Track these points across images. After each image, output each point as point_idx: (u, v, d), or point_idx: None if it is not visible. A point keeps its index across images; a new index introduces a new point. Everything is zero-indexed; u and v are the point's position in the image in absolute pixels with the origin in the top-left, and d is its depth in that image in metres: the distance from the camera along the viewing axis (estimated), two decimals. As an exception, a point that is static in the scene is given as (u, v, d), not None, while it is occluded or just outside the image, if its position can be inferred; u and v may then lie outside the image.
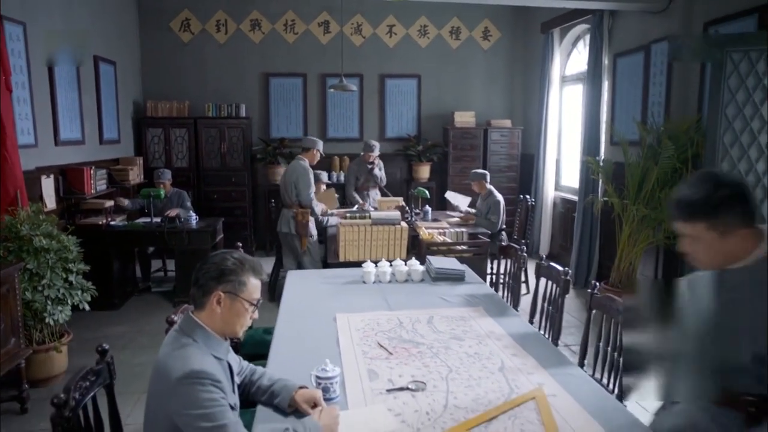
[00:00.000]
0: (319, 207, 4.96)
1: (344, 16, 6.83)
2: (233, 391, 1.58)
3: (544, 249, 6.66)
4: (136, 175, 5.95)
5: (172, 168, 6.43)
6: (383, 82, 7.25)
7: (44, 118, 4.46)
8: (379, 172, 6.02)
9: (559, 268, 2.71)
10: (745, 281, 1.42)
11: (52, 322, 3.30)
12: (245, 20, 6.95)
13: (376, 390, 1.83)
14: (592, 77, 5.51)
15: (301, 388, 1.69)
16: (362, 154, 5.93)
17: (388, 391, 1.81)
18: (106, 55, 5.69)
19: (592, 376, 2.13)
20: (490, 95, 7.44)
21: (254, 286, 1.61)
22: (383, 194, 6.15)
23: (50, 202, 4.40)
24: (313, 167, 4.93)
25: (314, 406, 1.64)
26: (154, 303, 5.16)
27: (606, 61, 5.44)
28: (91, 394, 1.58)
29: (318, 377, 1.75)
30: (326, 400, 1.72)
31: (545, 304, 2.83)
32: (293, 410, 1.66)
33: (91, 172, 4.86)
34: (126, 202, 5.28)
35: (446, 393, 1.81)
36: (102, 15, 5.67)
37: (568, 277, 2.63)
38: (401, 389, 1.82)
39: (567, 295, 2.67)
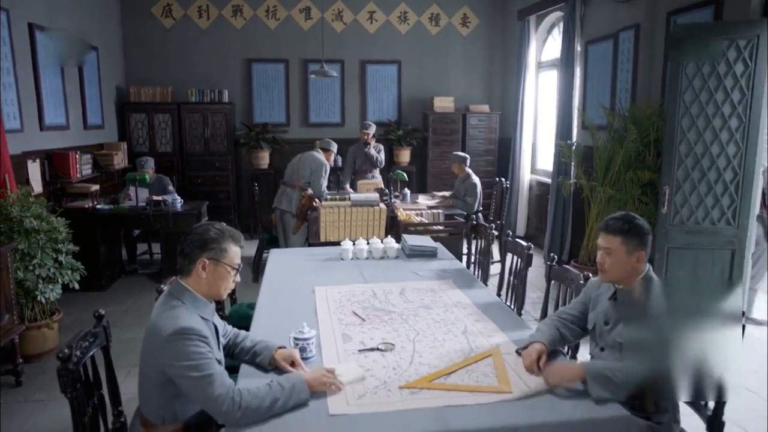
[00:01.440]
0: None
1: (325, 3, 6.94)
2: (218, 348, 1.76)
3: (520, 230, 6.90)
4: (120, 160, 6.04)
5: (156, 153, 6.55)
6: (364, 68, 7.38)
7: (29, 104, 4.54)
8: (377, 154, 6.16)
9: (523, 243, 2.92)
10: (630, 301, 1.91)
11: (43, 300, 3.44)
12: (227, 6, 7.01)
13: (349, 350, 2.02)
14: (565, 64, 5.70)
15: (280, 348, 1.88)
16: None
17: (360, 351, 2.01)
18: (89, 40, 5.74)
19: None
20: (469, 81, 7.61)
21: (235, 252, 1.78)
22: (382, 176, 6.28)
23: (37, 186, 4.49)
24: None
25: (292, 363, 1.82)
26: (141, 284, 5.30)
27: (578, 48, 5.63)
28: (90, 353, 1.75)
29: (296, 338, 1.94)
30: (303, 359, 1.91)
31: (511, 277, 3.05)
32: (273, 368, 1.85)
33: (77, 156, 4.96)
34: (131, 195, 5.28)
35: (412, 352, 2.01)
36: (84, 0, 5.71)
37: (530, 252, 2.84)
38: (372, 349, 2.02)
39: (537, 272, 2.88)
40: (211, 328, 1.74)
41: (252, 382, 1.75)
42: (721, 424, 1.85)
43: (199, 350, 1.58)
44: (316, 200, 4.90)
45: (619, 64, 4.92)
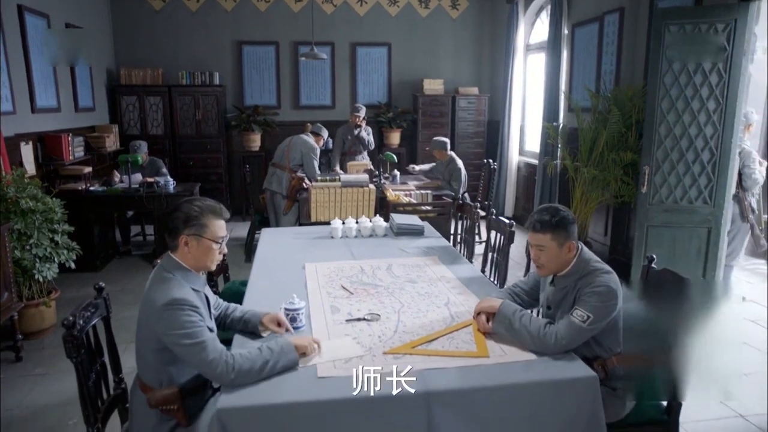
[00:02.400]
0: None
1: (315, -15, 6.95)
2: (210, 318, 1.86)
3: (509, 211, 7.04)
4: (112, 143, 6.09)
5: (147, 136, 6.60)
6: (354, 51, 7.42)
7: (20, 86, 4.58)
8: (367, 136, 6.24)
9: (505, 220, 3.03)
10: (565, 285, 2.03)
11: (41, 279, 3.53)
12: (216, -13, 7.01)
13: (336, 321, 2.14)
14: (552, 46, 5.78)
15: (266, 314, 2.00)
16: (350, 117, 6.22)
17: (347, 321, 2.13)
18: (77, 22, 5.74)
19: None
20: (458, 63, 7.67)
21: (217, 225, 1.84)
22: (372, 159, 6.38)
23: (30, 168, 4.54)
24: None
25: (279, 325, 1.96)
26: (135, 265, 5.39)
27: (565, 30, 5.71)
28: (92, 323, 1.86)
29: (286, 309, 2.05)
30: (294, 329, 2.03)
31: (494, 254, 3.17)
32: (263, 330, 1.99)
33: (69, 139, 5.01)
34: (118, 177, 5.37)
35: (397, 322, 2.13)
36: (72, -18, 5.71)
37: (513, 229, 2.96)
38: (359, 320, 2.14)
39: (521, 251, 3.00)
40: (202, 299, 1.83)
41: (244, 348, 1.86)
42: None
43: (191, 319, 1.68)
44: (306, 181, 4.99)
45: (604, 47, 5.02)
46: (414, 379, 1.65)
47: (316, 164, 5.20)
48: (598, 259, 2.06)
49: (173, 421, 1.77)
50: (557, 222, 1.96)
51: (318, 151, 5.28)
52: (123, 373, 2.07)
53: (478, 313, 2.06)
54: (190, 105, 6.86)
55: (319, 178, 4.85)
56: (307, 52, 5.90)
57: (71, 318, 1.65)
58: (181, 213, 1.83)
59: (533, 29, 6.84)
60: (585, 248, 2.07)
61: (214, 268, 1.90)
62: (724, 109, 3.78)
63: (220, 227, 1.86)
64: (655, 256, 2.40)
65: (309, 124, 7.15)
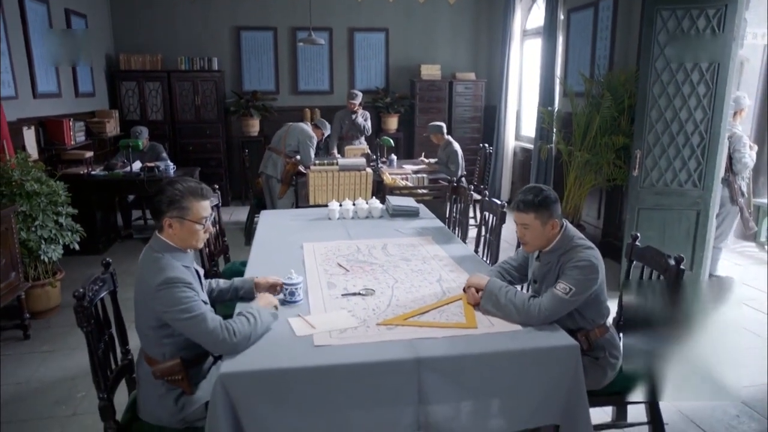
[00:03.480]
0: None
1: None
2: (202, 290, 1.94)
3: (504, 195, 7.12)
4: (112, 128, 6.15)
5: (147, 121, 6.66)
6: (352, 36, 7.45)
7: (22, 71, 4.64)
8: (364, 122, 6.30)
9: (497, 201, 3.13)
10: (550, 260, 2.14)
11: (46, 260, 3.63)
12: (214, -27, 7.02)
13: (333, 296, 2.24)
14: (548, 32, 5.83)
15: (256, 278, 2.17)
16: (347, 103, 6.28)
17: (343, 295, 2.23)
18: (76, 8, 5.79)
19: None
20: (456, 49, 7.71)
21: (200, 206, 1.89)
22: (369, 144, 6.44)
23: (32, 152, 4.62)
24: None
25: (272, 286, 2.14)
26: (137, 248, 5.47)
27: (561, 16, 5.75)
28: (100, 296, 1.96)
29: (285, 284, 2.15)
30: (291, 303, 2.13)
31: (487, 234, 3.26)
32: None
33: (70, 123, 5.08)
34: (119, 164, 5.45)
35: (390, 297, 2.23)
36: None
37: (504, 209, 3.05)
38: (354, 294, 2.24)
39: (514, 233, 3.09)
40: (193, 274, 1.91)
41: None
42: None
43: (186, 295, 1.77)
44: (302, 168, 5.07)
45: (599, 32, 5.07)
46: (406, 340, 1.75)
47: (312, 152, 5.27)
48: (582, 235, 2.16)
49: (178, 390, 1.87)
50: (540, 201, 2.06)
51: (315, 141, 5.35)
52: (129, 345, 2.17)
53: (467, 287, 2.16)
54: (189, 90, 6.91)
55: (316, 162, 4.94)
56: (305, 37, 5.95)
57: (81, 290, 1.75)
58: (164, 196, 1.86)
59: (530, 14, 6.88)
60: (569, 225, 2.16)
61: (200, 246, 1.97)
62: (714, 93, 3.85)
63: (202, 208, 1.90)
64: (639, 235, 2.50)
65: (307, 110, 7.23)
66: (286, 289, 2.14)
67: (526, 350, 1.82)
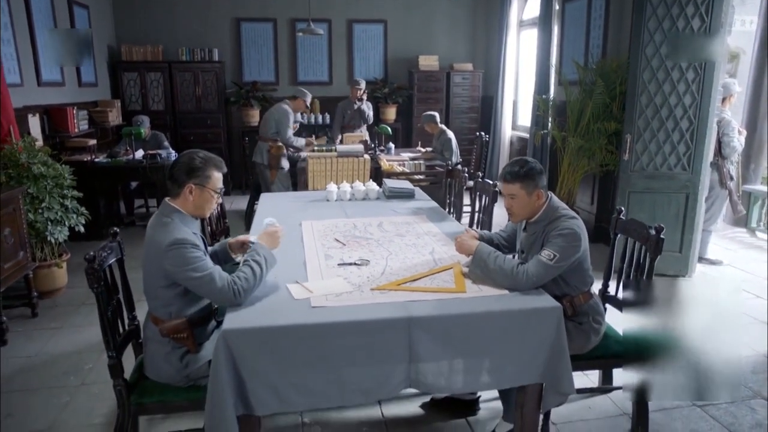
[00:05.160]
0: (299, 141, 5.39)
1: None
2: (206, 255, 2.06)
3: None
4: (115, 117, 6.25)
5: (148, 111, 6.76)
6: (351, 27, 7.54)
7: (26, 60, 4.74)
8: (367, 110, 6.35)
9: (489, 182, 3.23)
10: (536, 230, 2.24)
11: (53, 241, 3.74)
12: (214, -36, 7.11)
13: (330, 266, 2.34)
14: (543, 22, 5.92)
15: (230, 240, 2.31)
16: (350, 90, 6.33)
17: (339, 264, 2.34)
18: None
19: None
20: (453, 40, 7.80)
21: (217, 178, 2.06)
22: (371, 133, 6.50)
23: (38, 139, 4.72)
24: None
25: (242, 245, 2.26)
26: (139, 234, 5.46)
27: (556, 6, 5.84)
28: (108, 262, 2.06)
29: (267, 224, 2.30)
30: None
31: (480, 214, 3.37)
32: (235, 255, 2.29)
33: (74, 111, 5.18)
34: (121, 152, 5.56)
35: (385, 266, 2.34)
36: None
37: (496, 189, 3.15)
38: (350, 264, 2.35)
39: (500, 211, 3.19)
40: (199, 239, 2.03)
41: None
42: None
43: (196, 254, 1.89)
44: (285, 147, 5.12)
45: (592, 21, 5.16)
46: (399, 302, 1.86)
47: (290, 130, 5.19)
48: (566, 206, 2.26)
49: (183, 348, 1.98)
50: (525, 172, 2.17)
51: (291, 116, 5.24)
52: (136, 312, 2.28)
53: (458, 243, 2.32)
54: (190, 81, 7.01)
55: (294, 144, 5.02)
56: (304, 27, 6.03)
57: (92, 253, 1.86)
58: (186, 164, 2.01)
59: (526, 5, 6.97)
60: (554, 197, 2.27)
61: (208, 215, 2.12)
62: (702, 79, 3.96)
63: (219, 179, 2.08)
64: (623, 209, 2.61)
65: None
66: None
67: (511, 311, 1.93)
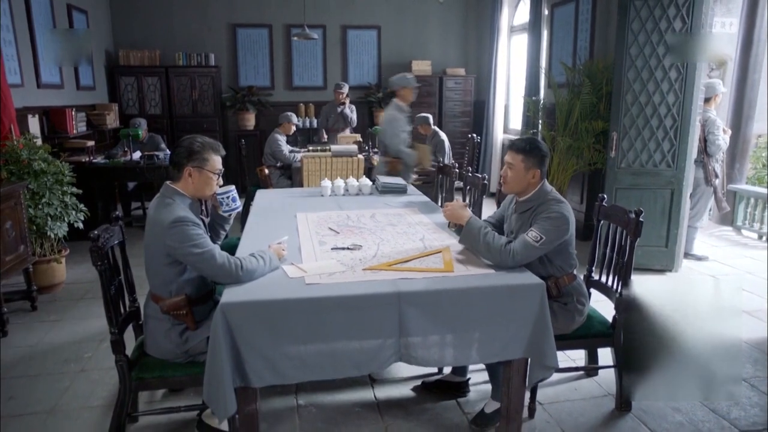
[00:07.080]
0: (296, 156, 5.56)
1: (306, -32, 7.19)
2: (207, 233, 2.14)
3: (493, 187, 7.31)
4: (112, 120, 6.34)
5: (146, 115, 6.86)
6: (345, 33, 7.68)
7: (27, 61, 4.83)
8: (350, 113, 6.51)
9: (479, 175, 3.33)
10: (525, 209, 2.35)
11: (52, 236, 3.81)
12: (211, -29, 7.24)
13: (323, 250, 2.43)
14: (533, 27, 6.07)
15: None
16: (334, 94, 6.50)
17: (333, 249, 2.43)
18: (78, 4, 5.99)
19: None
20: (446, 45, 7.95)
21: (215, 159, 2.16)
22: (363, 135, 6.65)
23: (37, 138, 4.80)
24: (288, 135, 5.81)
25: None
26: (136, 235, 5.58)
27: (545, 11, 5.99)
28: (111, 243, 2.15)
29: (218, 194, 2.26)
30: (236, 209, 2.34)
31: (470, 208, 3.46)
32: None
33: (73, 113, 5.26)
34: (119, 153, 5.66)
35: (376, 250, 2.43)
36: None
37: (485, 182, 3.26)
38: (343, 248, 2.44)
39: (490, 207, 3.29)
40: (199, 221, 2.12)
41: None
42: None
43: (196, 232, 1.98)
44: (266, 170, 5.43)
45: (580, 24, 5.30)
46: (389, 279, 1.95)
47: (285, 152, 5.59)
48: (557, 192, 2.37)
49: (183, 325, 2.07)
50: (531, 149, 2.30)
51: (283, 138, 5.67)
52: (136, 295, 2.37)
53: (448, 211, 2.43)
54: (187, 85, 7.11)
55: (310, 148, 5.16)
56: (299, 32, 6.16)
57: (96, 233, 1.94)
58: (185, 148, 2.12)
59: (516, 11, 7.12)
60: (547, 183, 2.38)
61: (209, 195, 2.20)
62: (685, 78, 4.09)
63: (218, 161, 2.18)
64: (605, 196, 2.71)
65: (302, 104, 7.44)
66: (222, 200, 2.28)
67: (496, 287, 2.02)
